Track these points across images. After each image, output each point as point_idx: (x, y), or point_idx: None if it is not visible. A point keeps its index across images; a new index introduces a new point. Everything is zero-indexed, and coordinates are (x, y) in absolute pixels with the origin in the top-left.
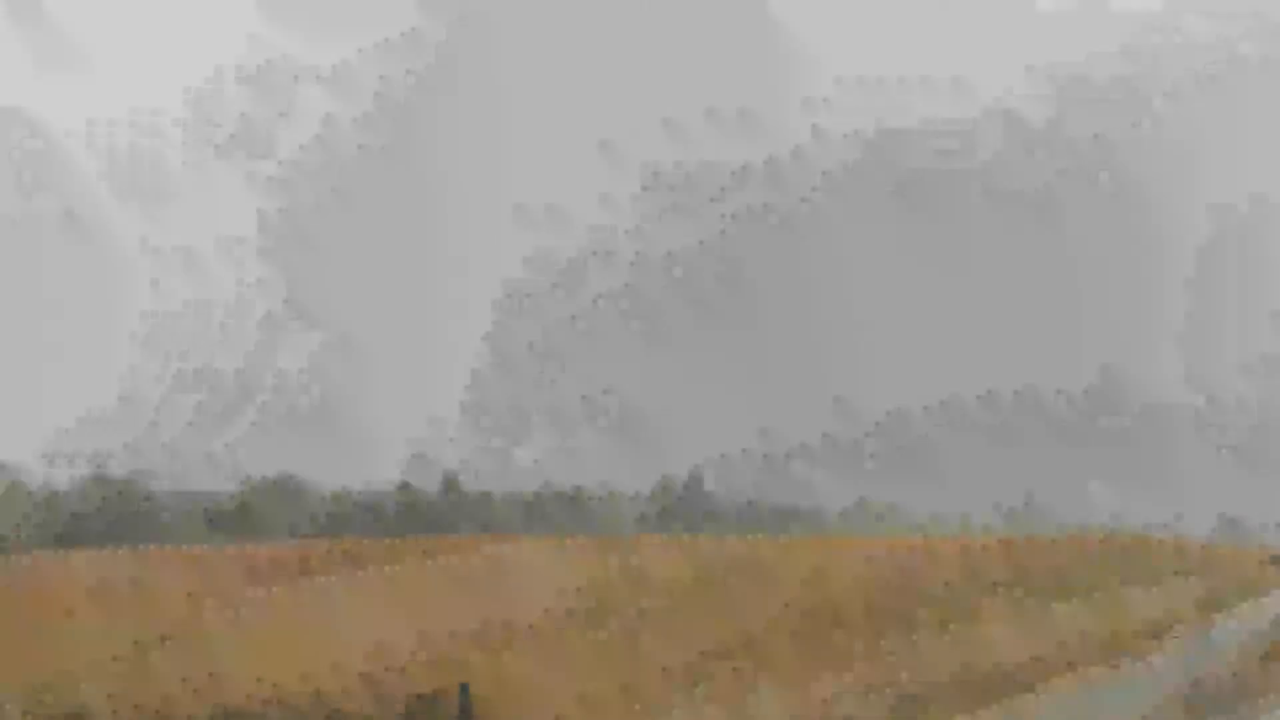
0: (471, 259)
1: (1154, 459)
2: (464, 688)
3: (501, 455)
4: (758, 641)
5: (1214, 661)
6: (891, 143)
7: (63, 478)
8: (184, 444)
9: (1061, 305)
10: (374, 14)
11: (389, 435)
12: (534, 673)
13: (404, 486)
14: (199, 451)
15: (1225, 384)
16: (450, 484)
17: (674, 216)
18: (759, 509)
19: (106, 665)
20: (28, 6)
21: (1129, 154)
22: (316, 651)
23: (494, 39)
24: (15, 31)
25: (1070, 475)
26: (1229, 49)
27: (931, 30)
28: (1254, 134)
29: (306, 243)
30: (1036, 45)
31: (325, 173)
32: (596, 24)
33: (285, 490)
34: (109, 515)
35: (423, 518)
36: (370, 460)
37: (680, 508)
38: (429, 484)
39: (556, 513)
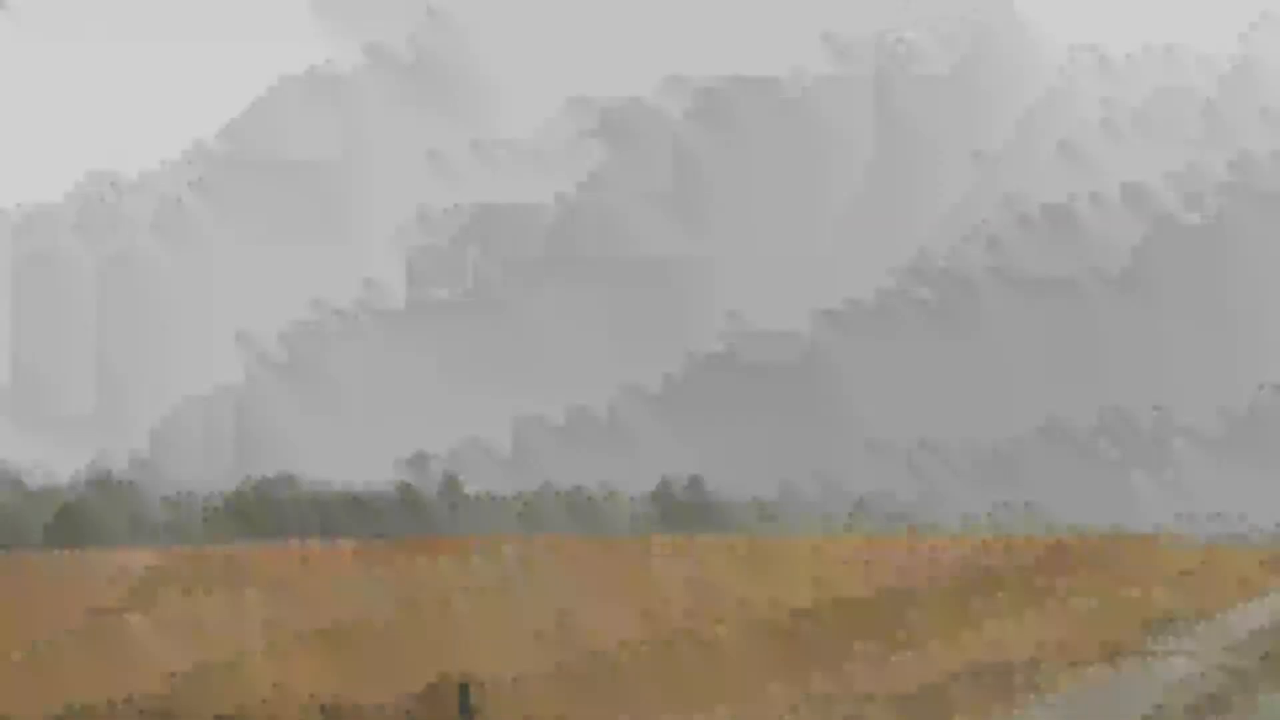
0: None
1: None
2: (464, 688)
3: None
4: (756, 642)
5: (1213, 662)
6: None
7: (63, 477)
8: (184, 444)
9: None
10: None
11: (390, 435)
12: (533, 674)
13: (404, 486)
14: (199, 451)
15: None
16: (450, 484)
17: None
18: (759, 509)
19: (103, 665)
20: None
21: None
22: (315, 651)
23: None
24: None
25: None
26: None
27: None
28: None
29: None
30: None
31: None
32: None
33: (285, 490)
34: (109, 515)
35: (423, 518)
36: (370, 460)
37: (680, 508)
38: (429, 484)
39: (556, 513)
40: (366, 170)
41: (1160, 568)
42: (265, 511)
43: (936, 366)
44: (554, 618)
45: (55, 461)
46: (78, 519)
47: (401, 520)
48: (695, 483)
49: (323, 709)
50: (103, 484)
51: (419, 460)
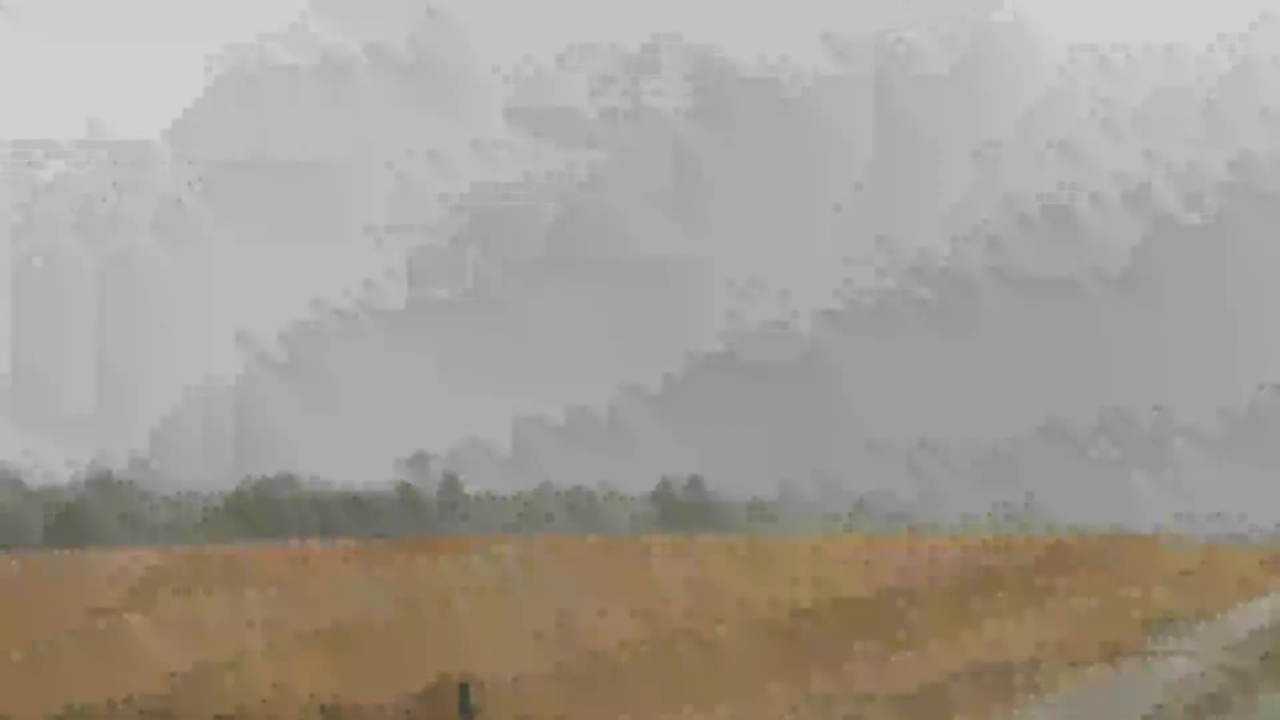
0: None
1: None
2: (464, 688)
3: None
4: (756, 642)
5: (1214, 661)
6: None
7: (63, 477)
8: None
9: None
10: None
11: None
12: (533, 674)
13: (404, 486)
14: (199, 451)
15: None
16: (450, 484)
17: None
18: (759, 509)
19: (103, 665)
20: None
21: None
22: (316, 651)
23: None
24: None
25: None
26: None
27: None
28: None
29: None
30: None
31: None
32: None
33: (285, 490)
34: (109, 515)
35: (423, 518)
36: (371, 460)
37: (680, 508)
38: (429, 484)
39: (556, 513)
40: (366, 170)
41: (1160, 568)
42: (265, 511)
43: (936, 366)
44: (554, 618)
45: (55, 461)
46: (78, 519)
47: (401, 520)
48: (695, 483)
49: (323, 709)
50: (103, 484)
51: (419, 460)
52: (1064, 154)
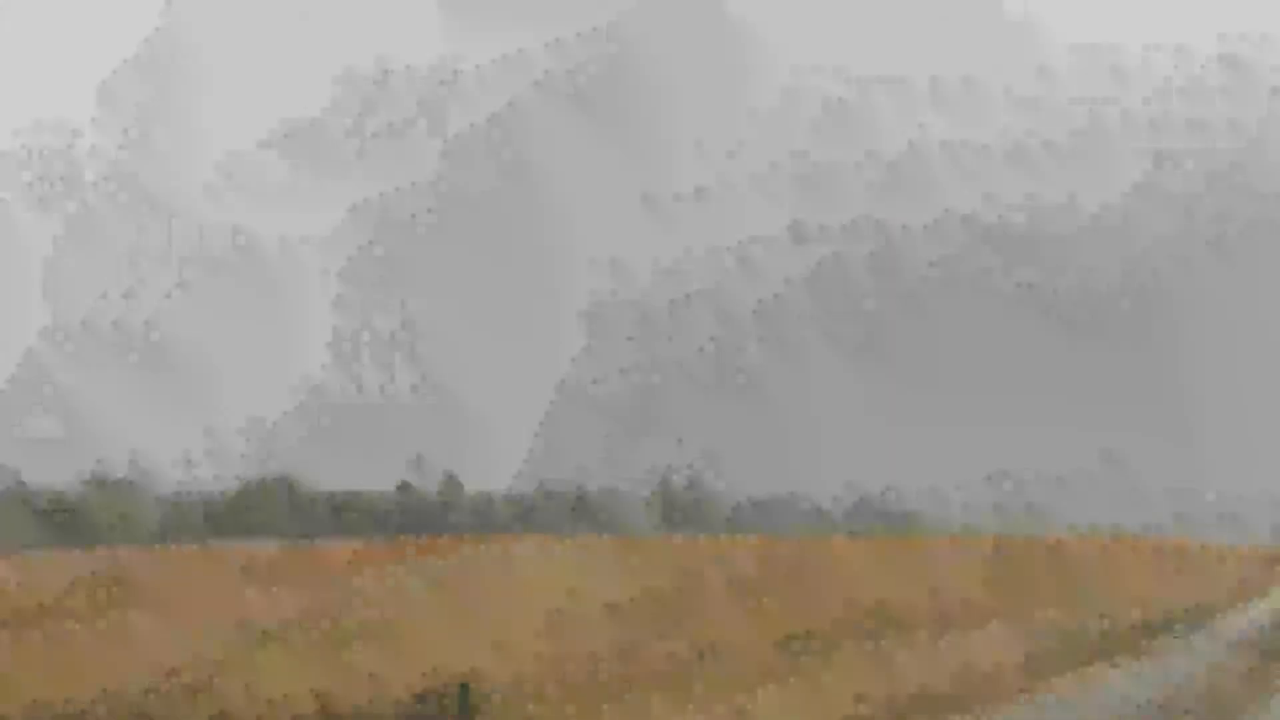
0: None
1: None
2: (464, 688)
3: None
4: (755, 642)
5: (1214, 661)
6: None
7: (63, 477)
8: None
9: None
10: None
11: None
12: (533, 674)
13: (404, 486)
14: (199, 451)
15: None
16: (450, 484)
17: None
18: (759, 508)
19: (102, 665)
20: None
21: None
22: (315, 651)
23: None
24: None
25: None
26: None
27: None
28: None
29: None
30: None
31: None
32: None
33: (285, 490)
34: (109, 515)
35: (423, 518)
36: (369, 460)
37: (680, 508)
38: (429, 484)
39: (557, 513)
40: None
41: (1160, 568)
42: (265, 511)
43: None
44: (554, 618)
45: (55, 461)
46: (78, 519)
47: (401, 520)
48: (695, 483)
49: (323, 709)
50: (103, 484)
51: (419, 460)
52: None
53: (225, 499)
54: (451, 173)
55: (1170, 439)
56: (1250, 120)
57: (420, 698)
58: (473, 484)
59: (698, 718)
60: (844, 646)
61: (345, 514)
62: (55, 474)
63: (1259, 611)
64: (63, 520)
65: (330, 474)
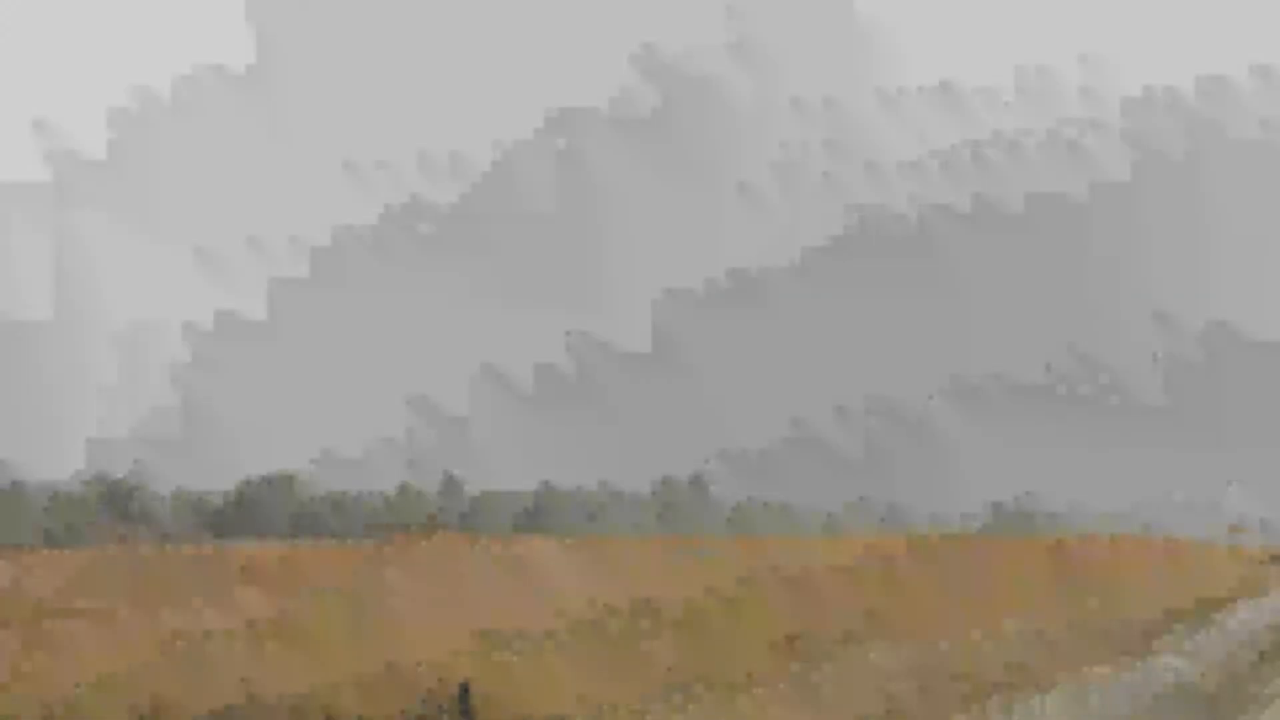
0: None
1: None
2: (464, 688)
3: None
4: (752, 642)
5: (1213, 661)
6: None
7: (62, 477)
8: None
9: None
10: None
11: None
12: (536, 673)
13: (404, 487)
14: (199, 451)
15: None
16: (450, 484)
17: None
18: (758, 508)
19: (101, 663)
20: None
21: None
22: (315, 651)
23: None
24: None
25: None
26: None
27: None
28: None
29: None
30: None
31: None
32: None
33: (284, 490)
34: (110, 515)
35: (423, 518)
36: (369, 460)
37: (680, 508)
38: (429, 484)
39: (557, 513)
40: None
41: (1160, 568)
42: (265, 511)
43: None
44: (553, 618)
45: (55, 461)
46: (78, 519)
47: (401, 520)
48: (696, 482)
49: (323, 709)
50: (104, 484)
51: (419, 460)
52: None
53: (225, 498)
54: None
55: None
56: None
57: (420, 698)
58: (472, 484)
59: (694, 712)
60: (844, 647)
61: (344, 513)
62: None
63: (1259, 612)
64: (65, 520)
65: (330, 472)
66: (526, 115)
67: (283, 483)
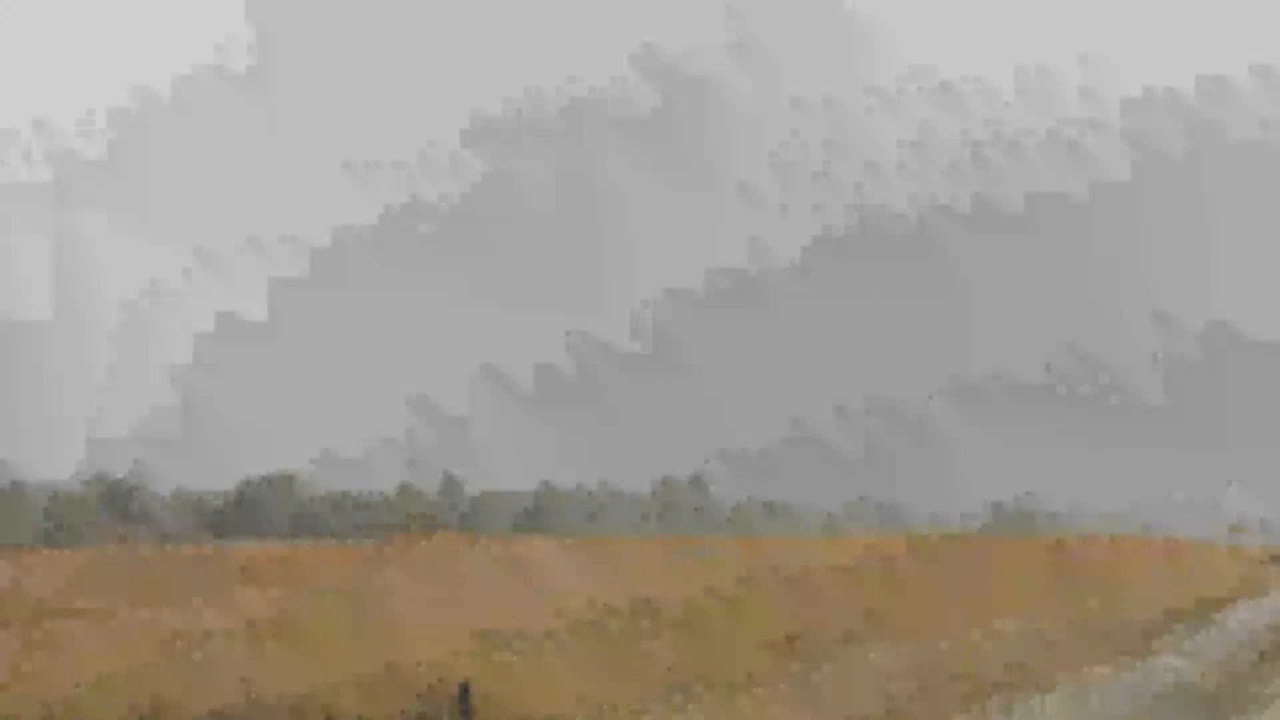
0: None
1: None
2: (464, 688)
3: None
4: (752, 642)
5: (1213, 661)
6: None
7: (63, 477)
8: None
9: None
10: None
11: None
12: (535, 673)
13: (404, 486)
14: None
15: None
16: (450, 484)
17: None
18: (758, 508)
19: (100, 664)
20: None
21: None
22: (315, 651)
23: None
24: None
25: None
26: None
27: None
28: None
29: None
30: None
31: None
32: None
33: (284, 490)
34: (110, 515)
35: (423, 518)
36: (369, 460)
37: (680, 508)
38: (429, 484)
39: (557, 513)
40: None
41: (1160, 568)
42: (265, 511)
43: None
44: (554, 618)
45: (55, 461)
46: (78, 519)
47: (402, 520)
48: (696, 482)
49: (323, 710)
50: (104, 484)
51: (419, 460)
52: None
53: (225, 498)
54: None
55: None
56: None
57: (420, 698)
58: (472, 484)
59: (695, 711)
60: (844, 647)
61: (344, 514)
62: None
63: (1259, 611)
64: (64, 520)
65: (331, 472)
66: (525, 115)
67: (283, 483)
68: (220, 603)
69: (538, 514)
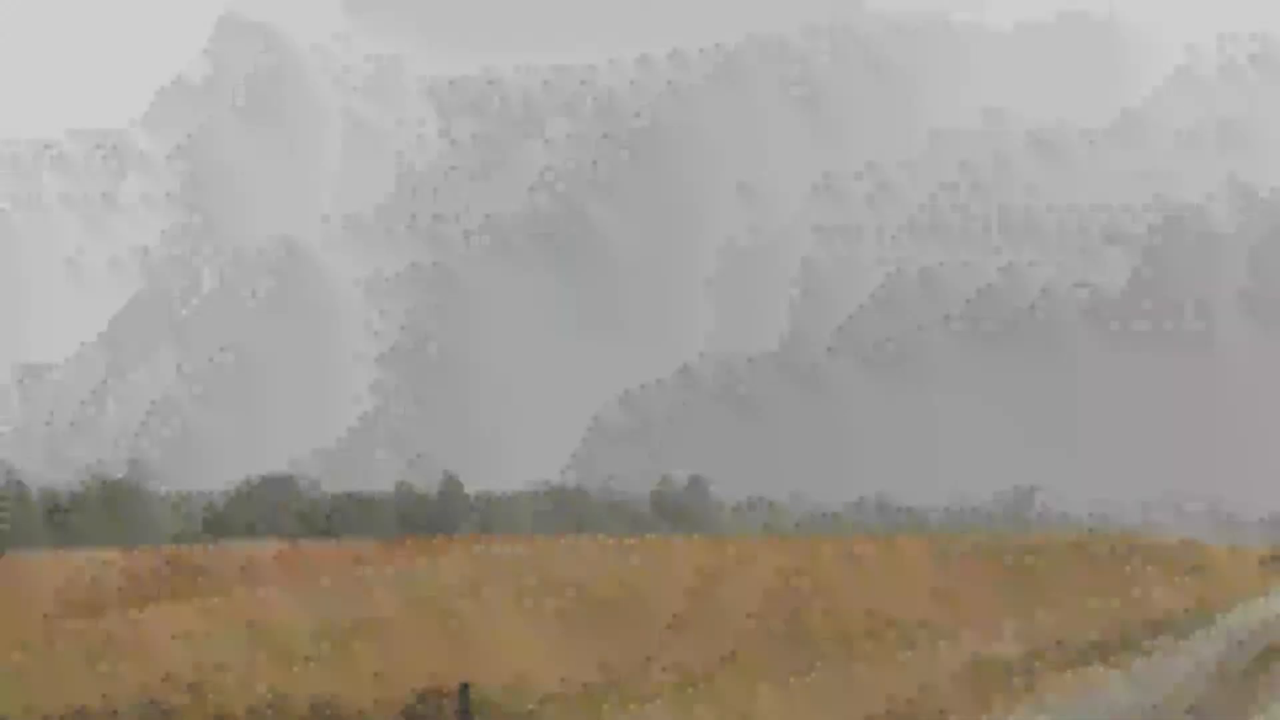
0: None
1: None
2: (464, 687)
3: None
4: (751, 641)
5: (1214, 660)
6: None
7: (63, 477)
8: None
9: None
10: None
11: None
12: (531, 668)
13: (404, 486)
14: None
15: None
16: (450, 484)
17: None
18: (758, 508)
19: (105, 665)
20: None
21: None
22: (316, 651)
23: None
24: None
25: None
26: None
27: None
28: None
29: None
30: None
31: None
32: None
33: (285, 490)
34: (109, 515)
35: (423, 518)
36: (369, 460)
37: (680, 508)
38: (429, 484)
39: (556, 513)
40: None
41: (1160, 568)
42: (265, 511)
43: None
44: (554, 618)
45: (55, 461)
46: (77, 519)
47: (401, 520)
48: (695, 482)
49: (323, 709)
50: (103, 484)
51: (419, 460)
52: None
53: (225, 498)
54: None
55: None
56: None
57: (420, 697)
58: (473, 484)
59: (699, 711)
60: (847, 646)
61: (344, 514)
62: None
63: (1259, 611)
64: (64, 520)
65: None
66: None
67: (283, 483)
68: (220, 602)
69: (539, 514)
